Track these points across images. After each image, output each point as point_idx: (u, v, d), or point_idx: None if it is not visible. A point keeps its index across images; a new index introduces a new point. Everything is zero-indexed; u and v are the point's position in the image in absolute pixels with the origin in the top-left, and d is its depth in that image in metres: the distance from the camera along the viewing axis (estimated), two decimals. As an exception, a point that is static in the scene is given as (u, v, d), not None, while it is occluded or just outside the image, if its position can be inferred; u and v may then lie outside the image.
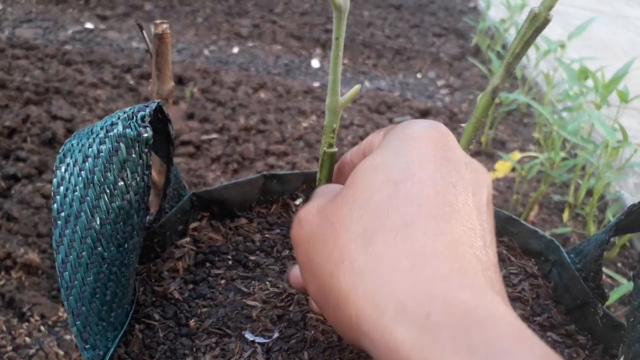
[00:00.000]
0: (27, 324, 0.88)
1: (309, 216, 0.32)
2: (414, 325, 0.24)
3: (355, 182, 0.31)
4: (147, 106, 0.37)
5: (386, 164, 0.30)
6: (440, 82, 2.13)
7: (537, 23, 0.29)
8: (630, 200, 1.51)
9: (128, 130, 0.36)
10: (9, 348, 0.84)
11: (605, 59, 1.82)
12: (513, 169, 1.55)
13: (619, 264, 1.37)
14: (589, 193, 1.57)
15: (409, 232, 0.27)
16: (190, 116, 1.61)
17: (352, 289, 0.27)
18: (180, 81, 1.74)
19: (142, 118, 0.36)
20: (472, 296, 0.25)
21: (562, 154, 1.42)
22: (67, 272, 0.35)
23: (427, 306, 0.25)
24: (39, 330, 0.88)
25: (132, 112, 0.36)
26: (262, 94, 1.78)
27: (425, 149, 0.30)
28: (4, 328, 0.89)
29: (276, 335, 0.41)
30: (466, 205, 0.29)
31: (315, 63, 2.09)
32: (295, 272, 0.39)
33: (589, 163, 1.55)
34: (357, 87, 0.38)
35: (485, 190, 0.31)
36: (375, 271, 0.27)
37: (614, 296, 1.03)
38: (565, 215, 1.51)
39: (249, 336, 0.41)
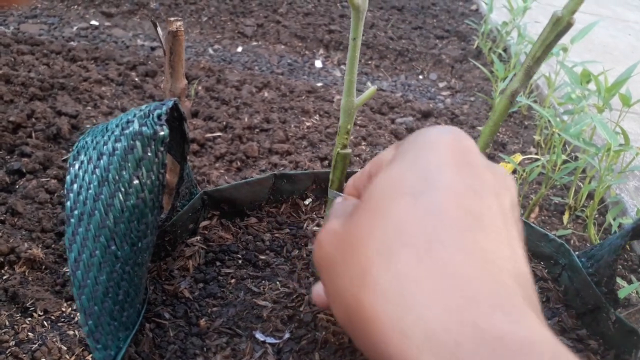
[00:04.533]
0: (30, 319, 0.88)
1: (327, 237, 0.30)
2: (443, 355, 0.23)
3: (373, 196, 0.29)
4: (163, 104, 0.37)
5: (403, 176, 0.28)
6: (441, 84, 2.13)
7: (560, 27, 0.29)
8: (630, 203, 1.51)
9: (144, 129, 0.35)
10: (12, 343, 0.84)
11: (605, 62, 1.82)
12: (514, 171, 1.55)
13: (619, 267, 1.37)
14: (590, 196, 1.57)
15: (432, 249, 0.25)
16: (194, 114, 1.61)
17: (377, 313, 0.25)
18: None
19: (159, 116, 0.36)
20: (505, 319, 0.23)
21: (563, 157, 1.42)
22: (79, 271, 0.35)
23: (456, 334, 0.23)
24: (42, 326, 0.88)
25: (149, 110, 0.36)
26: (266, 93, 1.77)
27: (443, 153, 0.29)
28: (7, 323, 0.88)
29: (287, 335, 0.41)
30: (490, 211, 0.27)
31: (318, 63, 2.09)
32: (317, 289, 0.38)
33: (590, 166, 1.55)
34: (373, 88, 0.38)
35: (508, 193, 0.30)
36: (400, 294, 0.25)
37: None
38: (565, 217, 1.51)
39: (259, 336, 0.41)
